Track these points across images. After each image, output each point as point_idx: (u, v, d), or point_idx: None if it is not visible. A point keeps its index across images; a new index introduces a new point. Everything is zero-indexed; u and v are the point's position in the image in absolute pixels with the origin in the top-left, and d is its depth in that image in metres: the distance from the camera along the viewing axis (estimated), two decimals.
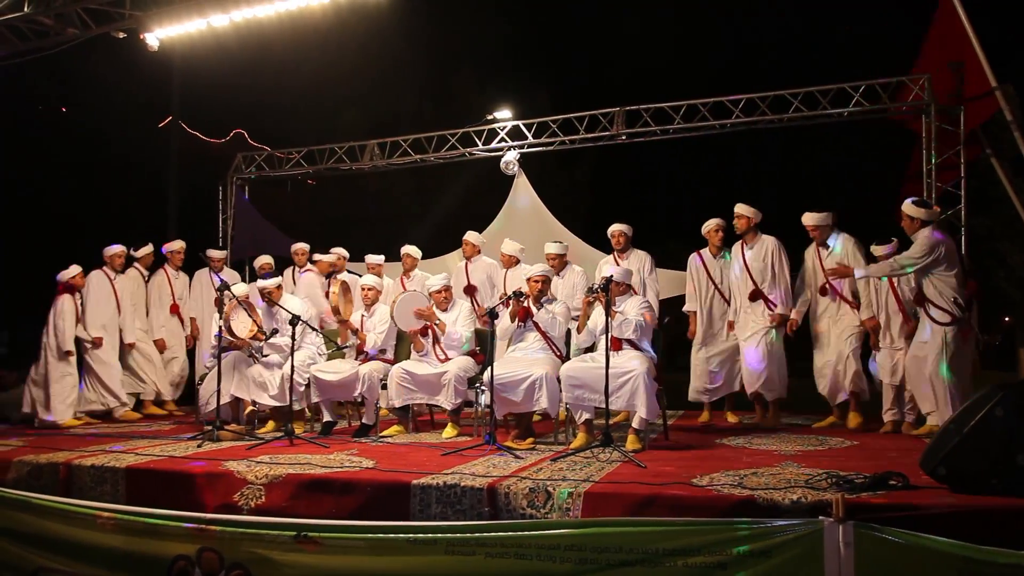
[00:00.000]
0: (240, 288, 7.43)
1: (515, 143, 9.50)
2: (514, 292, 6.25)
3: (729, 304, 7.41)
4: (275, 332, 6.96)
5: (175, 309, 8.78)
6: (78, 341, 7.87)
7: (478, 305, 7.95)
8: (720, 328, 7.48)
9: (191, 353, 9.00)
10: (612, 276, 5.77)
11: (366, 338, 6.96)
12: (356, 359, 6.98)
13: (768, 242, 7.11)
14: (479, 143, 9.65)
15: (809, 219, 6.96)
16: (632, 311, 5.90)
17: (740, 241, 7.25)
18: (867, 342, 6.85)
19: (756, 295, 7.08)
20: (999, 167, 8.00)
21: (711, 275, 7.50)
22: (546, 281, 6.44)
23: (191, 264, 9.17)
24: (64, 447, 5.99)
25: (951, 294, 5.96)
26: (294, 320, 6.42)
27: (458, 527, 3.89)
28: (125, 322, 8.30)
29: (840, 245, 6.86)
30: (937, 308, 5.95)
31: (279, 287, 7.25)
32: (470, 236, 8.56)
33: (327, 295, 8.79)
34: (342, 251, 9.09)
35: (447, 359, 6.66)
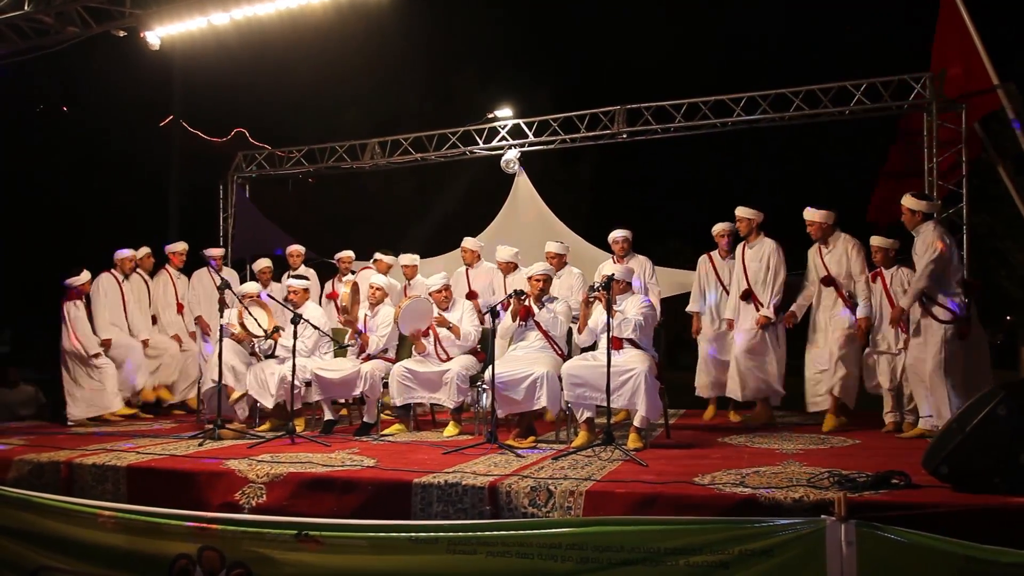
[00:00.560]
0: (250, 287, 7.45)
1: (516, 142, 9.49)
2: (515, 291, 6.25)
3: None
4: (277, 330, 6.97)
5: (182, 309, 8.78)
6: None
7: (478, 312, 7.94)
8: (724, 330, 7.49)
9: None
10: (614, 275, 5.76)
11: (369, 340, 6.94)
12: (358, 358, 6.98)
13: (767, 244, 7.12)
14: (480, 142, 9.64)
15: (809, 215, 6.91)
16: (632, 310, 5.90)
17: (743, 242, 7.26)
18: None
19: (747, 295, 7.10)
20: (1001, 165, 7.99)
21: (719, 276, 7.51)
22: (547, 280, 6.44)
23: (190, 264, 9.17)
24: (65, 446, 6.00)
25: (954, 291, 5.93)
26: (295, 319, 6.42)
27: (459, 526, 3.89)
28: (135, 323, 8.30)
29: (840, 245, 6.85)
30: (939, 306, 5.90)
31: (307, 291, 7.29)
32: (468, 243, 8.54)
33: (331, 296, 8.84)
34: (349, 253, 9.08)
35: (449, 358, 6.66)
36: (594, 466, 4.84)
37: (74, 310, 7.80)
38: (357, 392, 6.69)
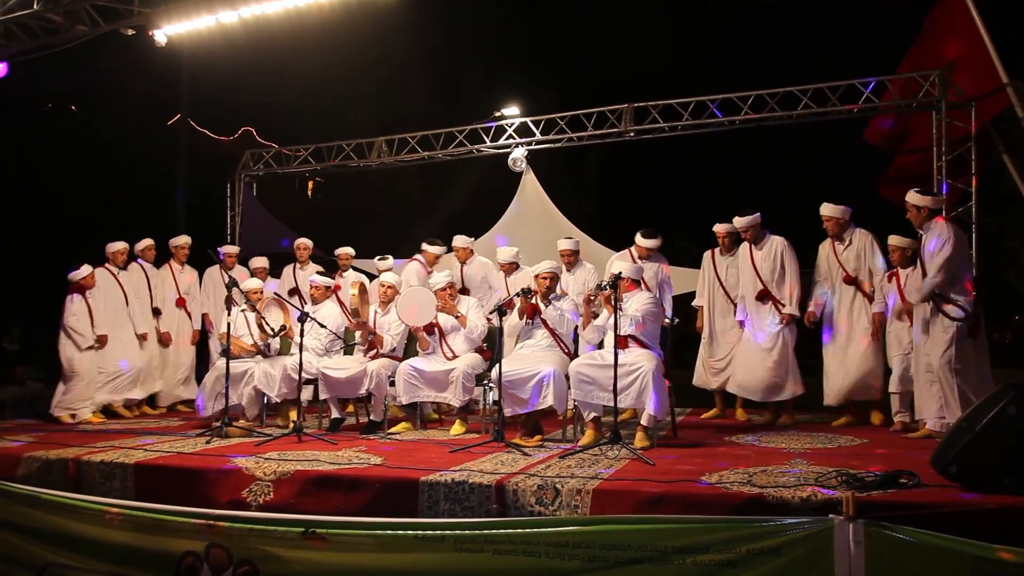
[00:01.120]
0: (252, 283, 7.47)
1: (523, 140, 9.48)
2: (522, 289, 6.24)
3: (735, 303, 7.40)
4: (284, 328, 6.99)
5: (181, 303, 8.78)
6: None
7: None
8: (723, 328, 7.48)
9: (201, 348, 9.01)
10: (621, 273, 5.75)
11: (383, 340, 6.94)
12: (365, 356, 6.98)
13: (776, 242, 7.11)
14: (487, 140, 9.64)
15: (826, 210, 6.88)
16: (634, 307, 5.88)
17: (747, 243, 7.24)
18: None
19: (764, 295, 7.08)
20: (1010, 164, 7.95)
21: (718, 273, 7.52)
22: (554, 278, 6.43)
23: (202, 261, 9.19)
24: (73, 443, 6.02)
25: (964, 289, 5.90)
26: (302, 317, 6.43)
27: (466, 524, 3.89)
28: (135, 315, 8.30)
29: (857, 240, 6.83)
30: (949, 303, 5.85)
31: (329, 288, 7.29)
32: (459, 240, 8.49)
33: (328, 289, 8.81)
34: (349, 250, 9.08)
35: (455, 356, 6.66)
36: (601, 465, 4.83)
37: (71, 305, 7.73)
38: (363, 391, 6.69)
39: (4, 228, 13.18)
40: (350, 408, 7.52)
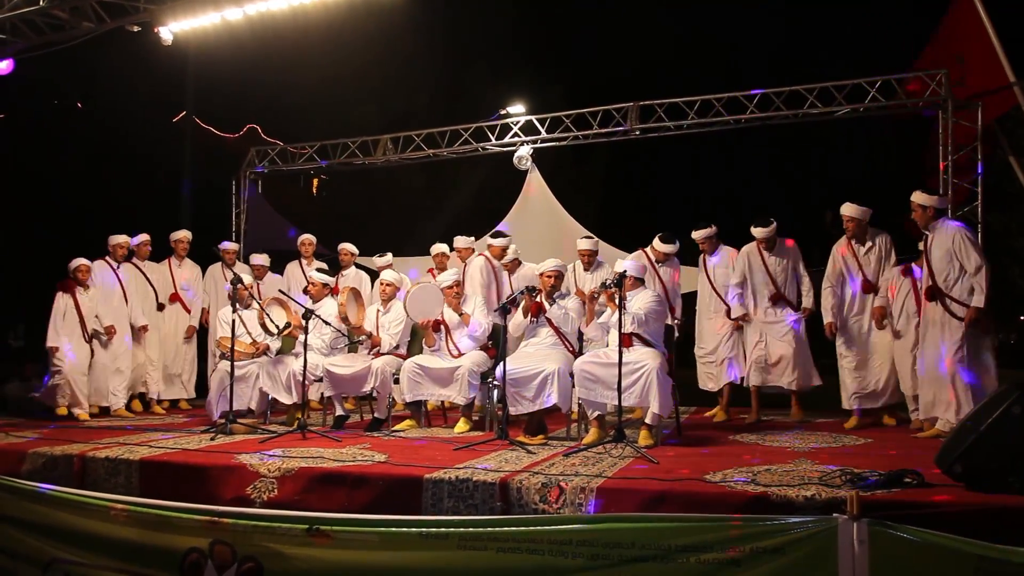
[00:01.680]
0: (245, 279, 7.48)
1: (528, 138, 9.48)
2: (527, 287, 6.24)
3: (725, 302, 7.48)
4: (288, 326, 7.00)
5: (175, 298, 8.77)
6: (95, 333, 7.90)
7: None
8: (713, 325, 7.54)
9: (201, 344, 9.02)
10: (625, 271, 5.75)
11: (381, 339, 6.95)
12: (368, 354, 6.99)
13: (788, 246, 7.20)
14: (492, 138, 9.64)
15: (848, 210, 6.80)
16: (636, 305, 5.88)
17: (756, 244, 7.24)
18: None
19: (778, 298, 7.13)
20: (1016, 163, 7.93)
21: (708, 274, 7.65)
22: (559, 276, 6.42)
23: (206, 258, 9.21)
24: (78, 439, 6.03)
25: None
26: (307, 314, 6.44)
27: (470, 522, 3.88)
28: (134, 309, 8.31)
29: (878, 243, 6.81)
30: (959, 304, 5.83)
31: (326, 285, 7.30)
32: (460, 241, 8.50)
33: (325, 287, 8.80)
34: (350, 247, 9.09)
35: (460, 354, 6.66)
36: (605, 463, 4.83)
37: (59, 302, 7.71)
38: (368, 388, 6.70)
39: (10, 224, 13.21)
40: (349, 404, 7.51)
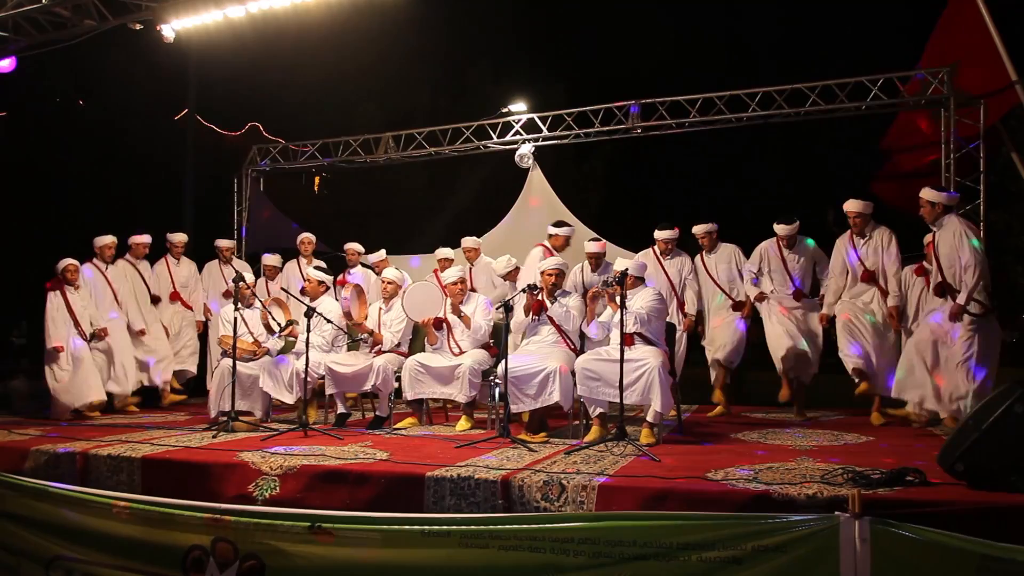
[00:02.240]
0: (272, 258, 7.47)
1: (530, 136, 9.48)
2: (528, 285, 6.24)
3: (732, 299, 7.51)
4: (290, 324, 7.01)
5: (175, 296, 8.79)
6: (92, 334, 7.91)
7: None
8: (723, 321, 7.51)
9: (203, 340, 9.04)
10: (627, 270, 5.75)
11: (382, 337, 6.96)
12: (370, 352, 7.00)
13: (809, 248, 7.31)
14: (494, 136, 9.63)
15: (852, 206, 6.90)
16: (638, 304, 5.88)
17: (776, 240, 7.29)
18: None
19: (799, 295, 7.22)
20: (1019, 162, 7.92)
21: (708, 271, 7.68)
22: (560, 274, 6.42)
23: (207, 255, 9.22)
24: (81, 437, 6.04)
25: (987, 282, 5.92)
26: (309, 312, 6.45)
27: (472, 519, 3.89)
28: (130, 311, 8.31)
29: (876, 236, 6.84)
30: (972, 300, 5.88)
31: (322, 283, 7.30)
32: (468, 242, 8.52)
33: (340, 283, 8.82)
34: (357, 246, 9.09)
35: (461, 352, 6.66)
36: (606, 461, 4.83)
37: (51, 301, 7.70)
38: (369, 386, 6.71)
39: (11, 221, 13.21)
40: (350, 398, 7.52)
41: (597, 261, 7.41)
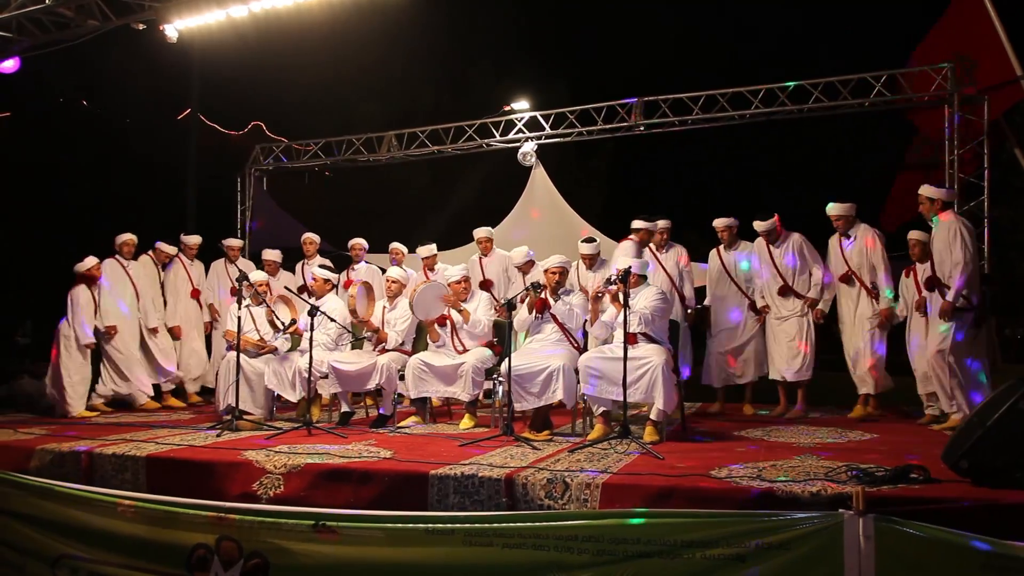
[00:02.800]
0: (258, 275, 7.51)
1: (532, 134, 9.47)
2: (532, 283, 6.24)
3: (749, 298, 7.47)
4: (294, 323, 7.01)
5: (196, 294, 8.85)
6: (96, 331, 7.93)
7: (495, 299, 7.94)
8: (739, 321, 7.49)
9: (208, 340, 9.06)
10: (630, 268, 5.74)
11: (387, 336, 6.96)
12: (374, 350, 7.00)
13: (794, 239, 7.21)
14: (496, 134, 9.63)
15: (834, 209, 6.99)
16: (642, 303, 5.87)
17: (763, 238, 7.26)
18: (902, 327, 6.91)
19: (786, 291, 7.17)
20: (1022, 158, 7.90)
21: (726, 268, 7.59)
22: (563, 272, 6.42)
23: (211, 254, 9.24)
24: (86, 436, 6.05)
25: (975, 281, 5.94)
26: (312, 311, 6.45)
27: (476, 517, 3.89)
28: (147, 308, 8.37)
29: (860, 236, 6.86)
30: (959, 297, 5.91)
31: (328, 281, 7.32)
32: (482, 232, 8.54)
33: (347, 285, 8.84)
34: (362, 241, 9.10)
35: (465, 350, 6.66)
36: (610, 459, 4.83)
37: (81, 296, 7.78)
38: (373, 385, 6.71)
39: (16, 222, 13.26)
40: (369, 400, 7.54)
41: (591, 260, 7.40)
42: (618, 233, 8.99)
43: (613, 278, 5.61)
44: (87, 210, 14.06)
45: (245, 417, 6.56)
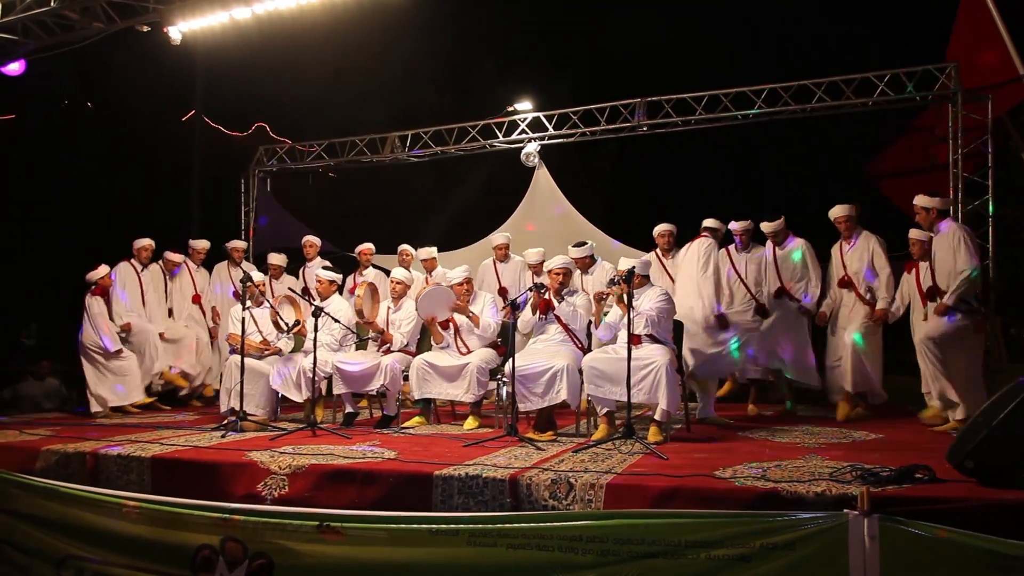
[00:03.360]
0: (257, 276, 7.54)
1: (536, 135, 9.47)
2: (535, 284, 6.24)
3: (757, 301, 7.44)
4: (298, 324, 7.03)
5: (197, 299, 8.89)
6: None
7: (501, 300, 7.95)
8: (745, 322, 7.50)
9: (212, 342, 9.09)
10: (634, 268, 5.74)
11: (393, 338, 6.97)
12: (378, 351, 7.01)
13: (799, 244, 7.24)
14: (500, 135, 9.63)
15: (837, 211, 6.98)
16: (646, 304, 5.87)
17: (770, 240, 7.29)
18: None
19: (781, 292, 7.19)
20: None
21: (736, 269, 7.57)
22: (567, 273, 6.42)
23: (215, 256, 9.26)
24: (91, 436, 6.07)
25: (976, 285, 5.95)
26: (316, 312, 6.46)
27: (480, 518, 3.90)
28: (153, 313, 8.41)
29: (861, 241, 6.87)
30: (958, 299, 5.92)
31: (333, 283, 7.33)
32: (500, 239, 8.55)
33: (332, 284, 8.81)
34: (370, 246, 9.12)
35: (469, 351, 6.67)
36: (614, 459, 4.83)
37: (96, 305, 7.91)
38: (377, 385, 6.71)
39: (21, 224, 13.27)
40: (363, 403, 7.55)
41: (584, 264, 7.40)
42: (621, 234, 9.02)
43: (616, 278, 5.62)
44: (91, 212, 14.07)
45: (250, 418, 6.57)
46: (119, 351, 7.92)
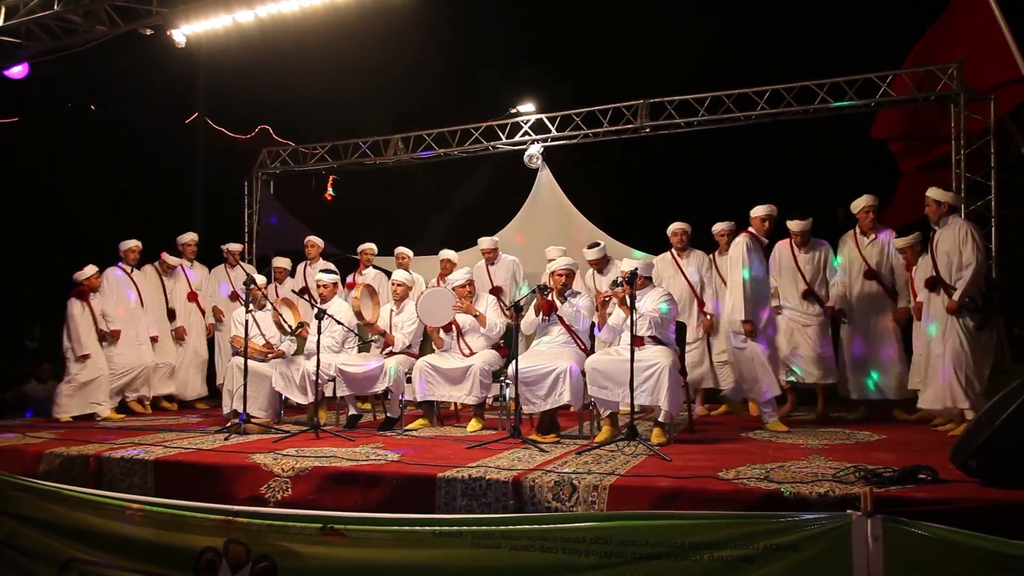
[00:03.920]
0: (258, 279, 7.54)
1: (538, 137, 9.47)
2: (538, 286, 6.25)
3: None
4: (301, 326, 7.03)
5: (192, 297, 8.88)
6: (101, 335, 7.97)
7: (504, 305, 7.95)
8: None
9: (211, 343, 9.09)
10: (636, 270, 5.74)
11: (395, 339, 6.98)
12: (382, 353, 7.01)
13: (821, 247, 7.23)
14: (503, 137, 9.63)
15: (864, 201, 7.00)
16: (649, 305, 5.87)
17: (789, 240, 7.25)
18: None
19: (808, 294, 7.14)
20: None
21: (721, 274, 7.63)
22: (570, 275, 6.42)
23: (218, 259, 9.26)
24: (94, 439, 6.08)
25: (980, 282, 5.95)
26: (320, 314, 6.47)
27: (483, 520, 3.90)
28: (149, 316, 8.39)
29: (881, 237, 6.93)
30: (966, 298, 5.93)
31: (335, 285, 7.34)
32: (484, 243, 8.57)
33: (349, 287, 8.85)
34: (371, 247, 9.12)
35: (472, 353, 6.67)
36: (617, 461, 4.83)
37: (77, 309, 7.78)
38: (380, 387, 6.72)
39: (24, 226, 13.30)
40: (366, 405, 7.55)
41: (598, 265, 7.40)
42: (624, 235, 9.01)
43: (619, 280, 5.62)
44: (95, 214, 14.09)
45: (253, 420, 6.58)
46: (86, 355, 7.70)
